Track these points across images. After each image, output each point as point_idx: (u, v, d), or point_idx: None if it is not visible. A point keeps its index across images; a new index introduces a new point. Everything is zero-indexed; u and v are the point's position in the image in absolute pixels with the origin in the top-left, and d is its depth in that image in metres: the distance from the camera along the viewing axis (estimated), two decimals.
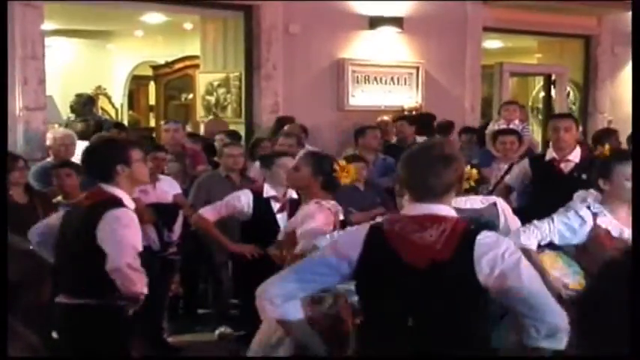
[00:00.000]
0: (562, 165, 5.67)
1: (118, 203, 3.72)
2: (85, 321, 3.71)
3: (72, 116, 9.05)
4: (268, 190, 5.26)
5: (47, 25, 8.29)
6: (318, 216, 4.30)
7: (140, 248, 3.74)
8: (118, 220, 3.66)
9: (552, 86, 11.54)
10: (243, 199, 5.23)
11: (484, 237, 2.61)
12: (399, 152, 7.15)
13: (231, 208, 5.24)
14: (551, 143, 5.86)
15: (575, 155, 5.69)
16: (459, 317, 2.61)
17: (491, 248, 2.58)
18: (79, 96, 9.37)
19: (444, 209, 2.69)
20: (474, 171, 4.45)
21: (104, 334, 3.69)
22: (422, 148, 2.88)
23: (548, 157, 5.82)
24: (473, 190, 4.50)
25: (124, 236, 3.67)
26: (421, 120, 8.75)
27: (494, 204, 4.44)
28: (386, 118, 8.82)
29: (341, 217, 4.48)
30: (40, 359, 1.20)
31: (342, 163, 4.59)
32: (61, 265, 3.89)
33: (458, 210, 4.32)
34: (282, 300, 2.72)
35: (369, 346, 2.73)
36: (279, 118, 8.38)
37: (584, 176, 5.49)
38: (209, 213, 5.26)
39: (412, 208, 2.73)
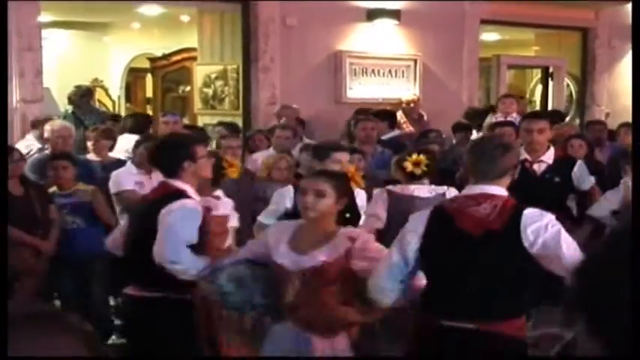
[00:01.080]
0: (535, 166, 5.45)
1: (182, 195, 3.78)
2: (151, 314, 3.76)
3: (69, 108, 9.02)
4: None
5: (44, 17, 8.28)
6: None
7: (194, 240, 3.71)
8: (175, 211, 3.69)
9: (550, 79, 11.53)
10: (287, 196, 4.81)
11: (530, 211, 3.08)
12: (399, 145, 7.21)
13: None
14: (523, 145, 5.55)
15: (549, 156, 5.49)
16: (507, 280, 3.07)
17: (535, 220, 3.04)
18: (77, 87, 9.33)
19: (497, 189, 3.18)
20: (422, 157, 4.50)
21: (170, 328, 3.71)
22: (484, 138, 3.61)
23: (520, 157, 5.64)
24: (427, 175, 4.56)
25: (173, 229, 3.65)
26: (475, 114, 8.73)
27: (443, 194, 4.45)
28: None
29: (220, 212, 4.38)
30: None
31: (228, 159, 4.76)
32: (128, 258, 3.96)
33: (410, 197, 4.45)
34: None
35: (431, 307, 3.20)
36: (358, 110, 8.32)
37: (557, 179, 5.42)
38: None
39: (470, 189, 3.26)
